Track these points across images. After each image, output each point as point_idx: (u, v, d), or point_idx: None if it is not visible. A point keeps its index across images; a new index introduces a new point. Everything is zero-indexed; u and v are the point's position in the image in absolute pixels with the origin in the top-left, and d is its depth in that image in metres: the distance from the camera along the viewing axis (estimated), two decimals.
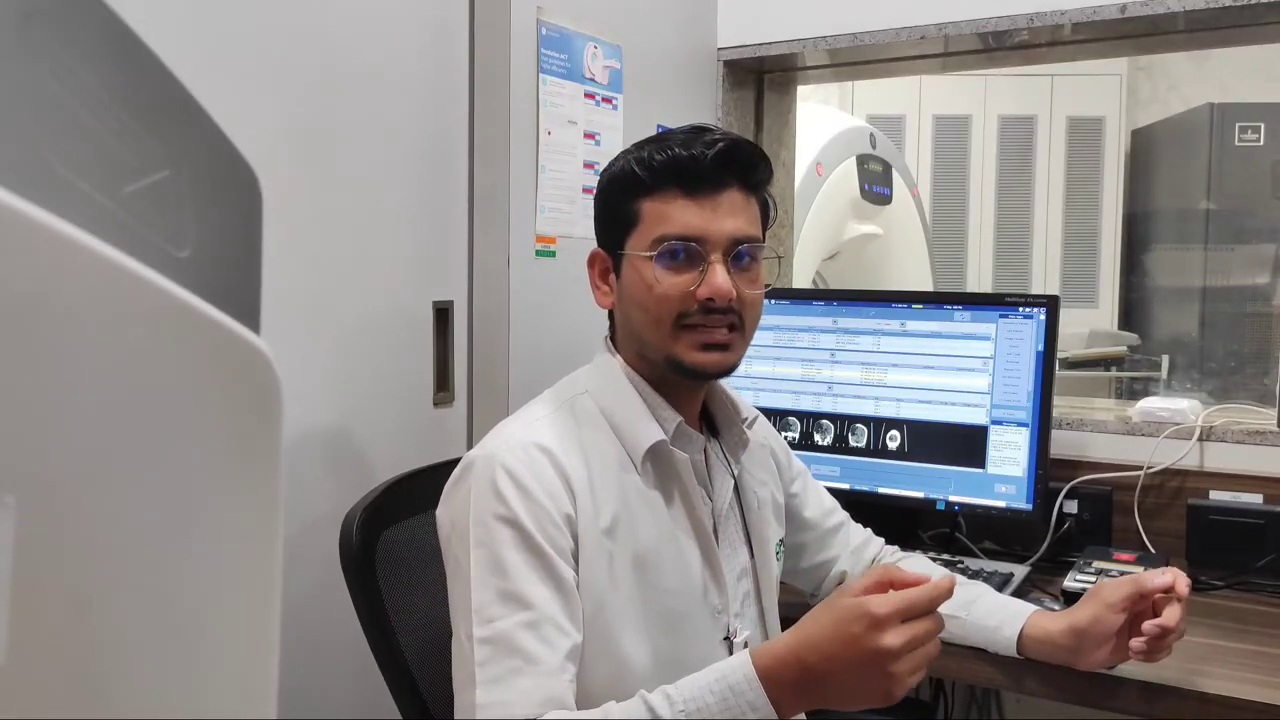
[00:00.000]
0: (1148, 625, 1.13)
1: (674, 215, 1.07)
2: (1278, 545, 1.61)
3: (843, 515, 1.40)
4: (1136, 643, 1.14)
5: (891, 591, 0.89)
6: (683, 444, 1.12)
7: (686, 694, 0.92)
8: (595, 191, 1.16)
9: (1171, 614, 1.12)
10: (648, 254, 1.07)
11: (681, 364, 1.08)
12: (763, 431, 1.30)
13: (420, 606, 1.21)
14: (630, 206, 1.10)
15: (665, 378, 1.12)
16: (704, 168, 1.06)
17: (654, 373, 1.12)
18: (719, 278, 1.05)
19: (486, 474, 1.02)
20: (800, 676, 0.89)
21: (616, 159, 1.14)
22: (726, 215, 1.07)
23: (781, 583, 1.28)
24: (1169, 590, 1.14)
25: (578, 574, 1.02)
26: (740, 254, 1.08)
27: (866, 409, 1.79)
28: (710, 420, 1.21)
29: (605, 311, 1.18)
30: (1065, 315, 1.73)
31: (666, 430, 1.10)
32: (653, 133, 1.19)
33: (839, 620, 0.88)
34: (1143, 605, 1.16)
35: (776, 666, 0.90)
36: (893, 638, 0.85)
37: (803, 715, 1.18)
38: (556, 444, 1.05)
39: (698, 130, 1.10)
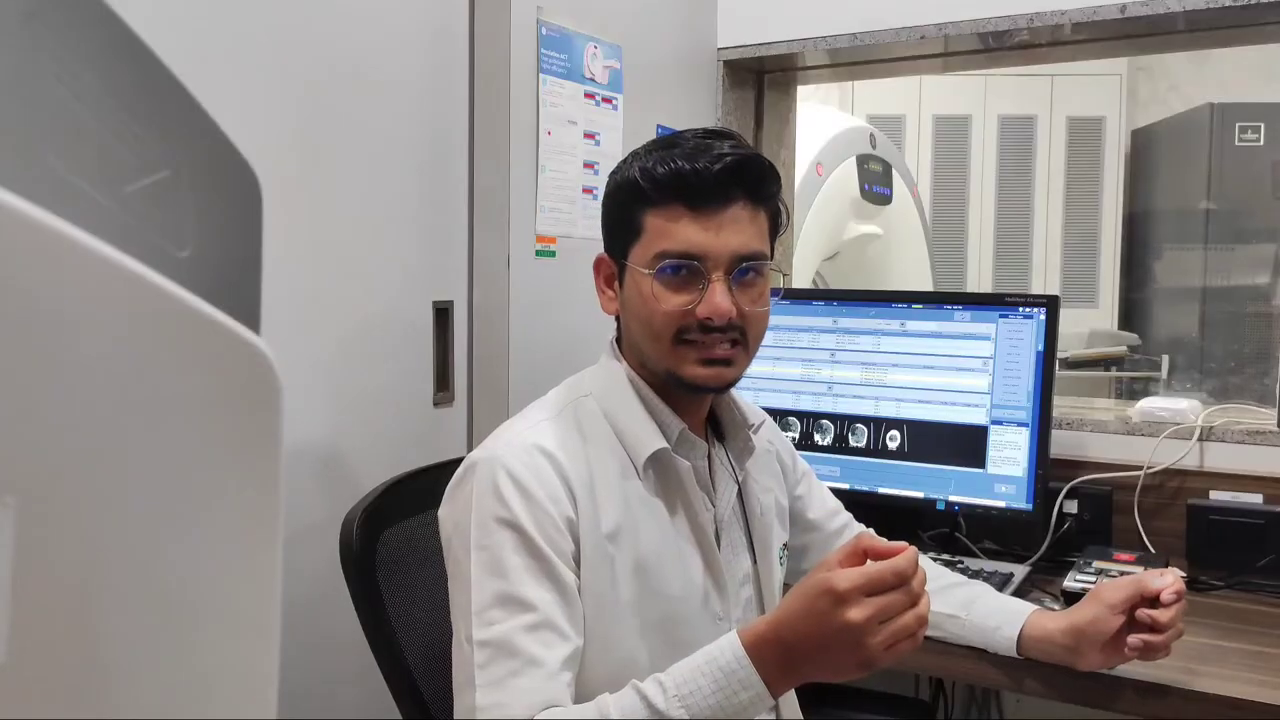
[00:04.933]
0: (1132, 639, 1.15)
1: (676, 231, 1.05)
2: (1278, 545, 1.61)
3: (846, 517, 1.40)
4: (1134, 639, 1.15)
5: (870, 564, 0.89)
6: (685, 450, 1.11)
7: (678, 679, 0.93)
8: (603, 194, 1.15)
9: (1164, 615, 1.14)
10: (648, 270, 1.06)
11: (681, 379, 1.08)
12: (768, 435, 1.29)
13: (420, 607, 1.21)
14: (634, 217, 1.08)
15: (668, 385, 1.11)
16: (709, 182, 1.04)
17: (657, 380, 1.11)
18: (718, 297, 1.04)
19: (489, 476, 1.02)
20: (780, 654, 0.91)
21: (623, 163, 1.12)
22: (731, 232, 1.05)
23: (786, 585, 1.28)
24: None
25: (579, 577, 1.02)
26: (743, 270, 1.06)
27: (866, 409, 1.79)
28: (716, 424, 1.20)
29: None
30: (1065, 315, 1.73)
31: (669, 436, 1.10)
32: (652, 133, 1.18)
33: (807, 596, 0.89)
34: (1142, 606, 1.17)
35: (759, 645, 0.92)
36: (857, 612, 0.86)
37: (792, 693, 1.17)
38: (559, 447, 1.05)
39: (706, 140, 1.07)
